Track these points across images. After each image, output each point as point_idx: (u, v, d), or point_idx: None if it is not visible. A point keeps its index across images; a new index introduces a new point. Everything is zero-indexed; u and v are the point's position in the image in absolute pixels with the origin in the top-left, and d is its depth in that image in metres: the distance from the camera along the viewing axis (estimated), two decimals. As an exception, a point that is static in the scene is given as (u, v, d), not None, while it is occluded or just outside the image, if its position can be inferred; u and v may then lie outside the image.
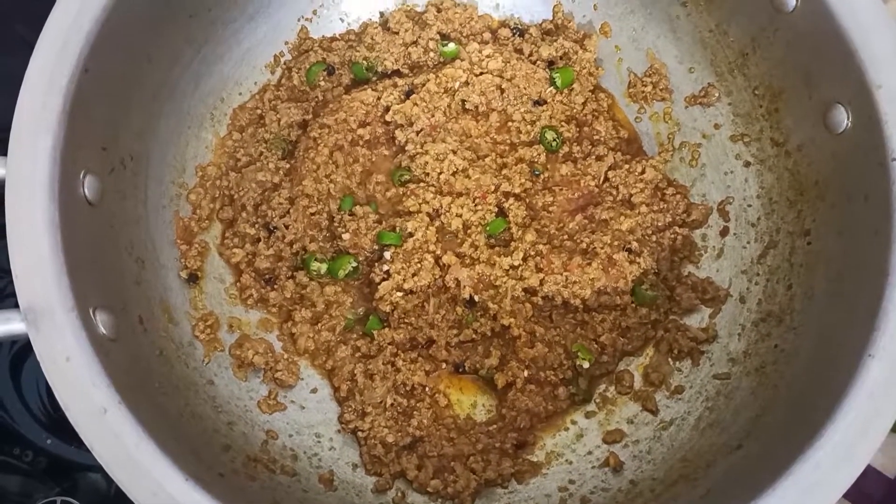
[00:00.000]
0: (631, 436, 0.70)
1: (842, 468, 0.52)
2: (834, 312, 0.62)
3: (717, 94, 0.77)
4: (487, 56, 0.77)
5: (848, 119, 0.62)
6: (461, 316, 0.71)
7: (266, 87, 0.79)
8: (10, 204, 0.53)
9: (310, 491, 0.65)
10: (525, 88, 0.76)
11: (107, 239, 0.61)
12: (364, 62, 0.78)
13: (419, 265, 0.70)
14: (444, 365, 0.71)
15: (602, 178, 0.75)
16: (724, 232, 0.75)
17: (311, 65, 0.78)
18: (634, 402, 0.72)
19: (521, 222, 0.73)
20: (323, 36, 0.81)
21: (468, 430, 0.70)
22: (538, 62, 0.78)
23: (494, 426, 0.70)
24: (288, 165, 0.75)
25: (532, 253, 0.72)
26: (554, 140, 0.76)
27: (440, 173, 0.74)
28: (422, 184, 0.74)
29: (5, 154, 0.54)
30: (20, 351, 0.77)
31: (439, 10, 0.80)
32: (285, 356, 0.71)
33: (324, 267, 0.73)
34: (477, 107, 0.76)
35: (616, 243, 0.72)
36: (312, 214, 0.73)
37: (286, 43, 0.80)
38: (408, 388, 0.70)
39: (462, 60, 0.77)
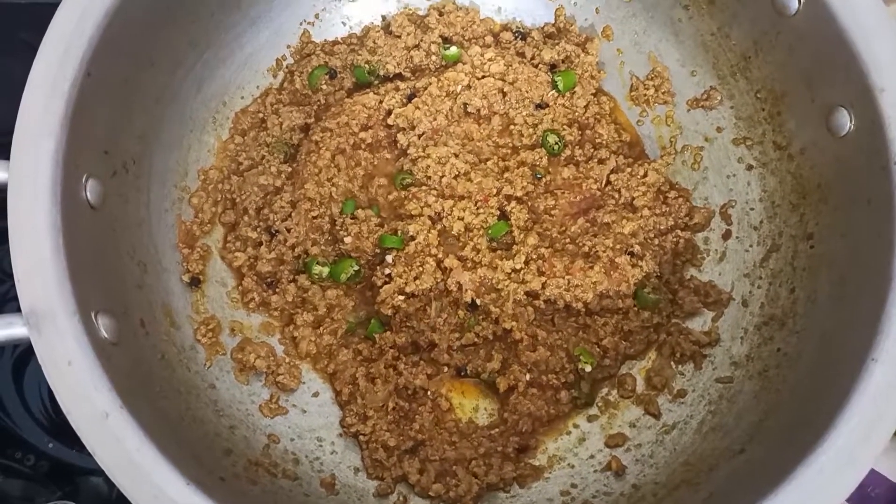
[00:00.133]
0: (633, 439, 0.70)
1: (845, 472, 0.52)
2: (837, 316, 0.62)
3: (719, 98, 0.77)
4: (489, 59, 0.77)
5: (851, 122, 0.62)
6: (463, 319, 0.71)
7: (268, 90, 0.79)
8: (12, 207, 0.53)
9: (311, 495, 0.65)
10: (527, 92, 0.76)
11: (109, 242, 0.62)
12: (366, 66, 0.78)
13: (421, 268, 0.70)
14: (445, 368, 0.71)
15: (604, 182, 0.75)
16: (726, 235, 0.75)
17: (313, 68, 0.78)
18: (637, 405, 0.72)
19: (522, 226, 0.73)
20: (325, 39, 0.81)
21: (470, 434, 0.70)
22: (540, 65, 0.78)
23: (496, 430, 0.70)
24: (290, 169, 0.75)
25: (534, 256, 0.72)
26: (556, 143, 0.76)
27: (442, 177, 0.74)
28: (423, 187, 0.74)
29: (8, 158, 0.54)
30: (22, 354, 0.77)
31: (441, 14, 0.80)
32: (287, 360, 0.71)
33: (325, 270, 0.73)
34: (479, 110, 0.76)
35: (618, 247, 0.72)
36: (314, 218, 0.73)
37: (288, 47, 0.80)
38: (409, 392, 0.70)
39: (464, 64, 0.77)
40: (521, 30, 0.81)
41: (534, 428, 0.70)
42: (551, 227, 0.74)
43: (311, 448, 0.69)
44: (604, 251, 0.72)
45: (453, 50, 0.78)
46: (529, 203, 0.74)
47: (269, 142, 0.76)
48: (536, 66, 0.78)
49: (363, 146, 0.76)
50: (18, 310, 0.52)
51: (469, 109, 0.76)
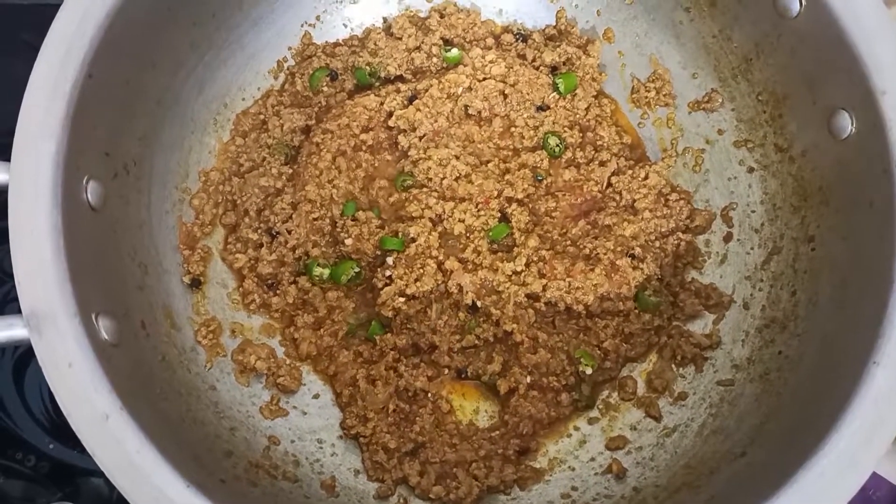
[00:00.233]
0: (634, 442, 0.70)
1: (846, 476, 0.52)
2: (838, 319, 0.61)
3: (720, 100, 0.77)
4: (490, 61, 0.77)
5: (852, 125, 0.62)
6: (463, 321, 0.71)
7: (269, 92, 0.79)
8: (13, 209, 0.53)
9: (312, 497, 0.65)
10: (528, 94, 0.76)
11: (109, 244, 0.62)
12: (367, 67, 0.78)
13: (422, 270, 0.70)
14: (446, 370, 0.71)
15: (605, 184, 0.75)
16: (727, 238, 0.75)
17: (314, 70, 0.78)
18: (637, 408, 0.72)
19: (523, 228, 0.73)
20: (326, 41, 0.81)
21: (470, 436, 0.70)
22: (541, 67, 0.78)
23: (497, 432, 0.70)
24: (291, 170, 0.75)
25: (535, 258, 0.72)
26: (557, 145, 0.76)
27: (443, 178, 0.74)
28: (424, 189, 0.74)
29: (9, 159, 0.54)
30: (23, 356, 0.77)
31: (442, 16, 0.80)
32: (287, 361, 0.71)
33: (326, 272, 0.73)
34: (480, 112, 0.76)
35: (619, 249, 0.72)
36: (315, 219, 0.73)
37: (290, 48, 0.80)
38: (410, 394, 0.70)
39: (465, 66, 0.77)
40: (523, 32, 0.81)
41: (534, 430, 0.70)
42: (552, 229, 0.74)
43: (312, 450, 0.69)
44: (605, 253, 0.72)
45: (454, 52, 0.78)
46: (530, 205, 0.74)
47: (270, 143, 0.76)
48: (537, 69, 0.78)
49: (364, 148, 0.76)
50: (19, 311, 0.52)
51: (470, 111, 0.76)
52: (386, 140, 0.76)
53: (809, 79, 0.67)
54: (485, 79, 0.76)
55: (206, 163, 0.75)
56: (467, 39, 0.80)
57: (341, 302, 0.72)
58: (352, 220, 0.73)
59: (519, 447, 0.69)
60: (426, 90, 0.76)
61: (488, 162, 0.76)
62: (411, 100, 0.76)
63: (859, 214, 0.62)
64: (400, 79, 0.79)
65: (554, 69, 0.79)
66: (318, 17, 0.81)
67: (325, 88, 0.78)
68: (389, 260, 0.71)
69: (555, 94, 0.77)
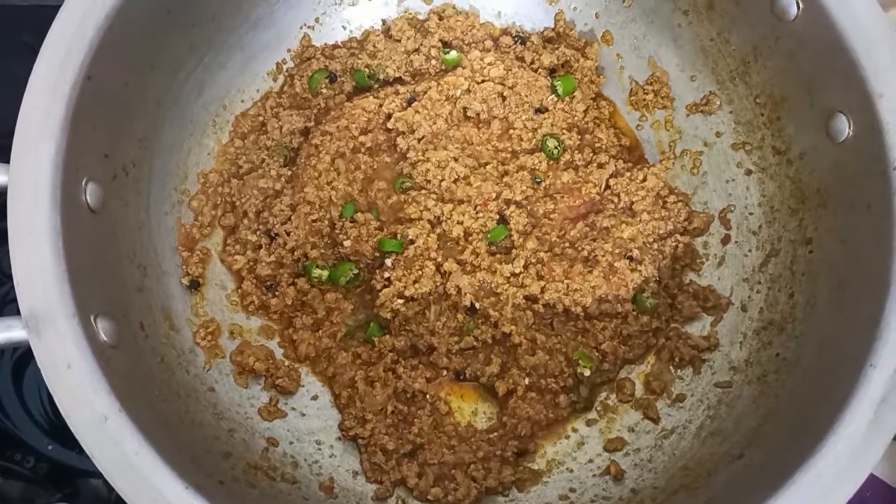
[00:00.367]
0: (632, 444, 0.70)
1: (844, 478, 0.52)
2: (836, 321, 0.62)
3: (718, 103, 0.77)
4: (489, 64, 0.77)
5: (849, 128, 0.62)
6: (462, 323, 0.71)
7: (268, 94, 0.79)
8: (12, 210, 0.53)
9: (310, 498, 0.65)
10: (526, 96, 0.76)
11: (108, 246, 0.62)
12: (366, 69, 0.78)
13: (420, 272, 0.70)
14: (444, 372, 0.71)
15: (603, 186, 0.75)
16: (725, 240, 0.75)
17: (313, 72, 0.78)
18: (635, 410, 0.72)
19: (522, 230, 0.73)
20: (325, 43, 0.81)
21: (469, 438, 0.70)
22: (540, 70, 0.79)
23: (495, 434, 0.70)
24: (290, 172, 0.76)
25: (533, 260, 0.72)
26: (555, 148, 0.76)
27: (441, 180, 0.74)
28: (423, 191, 0.74)
29: (8, 161, 0.54)
30: (22, 357, 0.77)
31: (441, 18, 0.80)
32: (286, 363, 0.71)
33: (325, 274, 0.73)
34: (478, 114, 0.76)
35: (617, 251, 0.72)
36: (314, 221, 0.73)
37: (289, 50, 0.80)
38: (408, 396, 0.70)
39: (464, 68, 0.77)
40: (521, 34, 0.81)
41: (532, 432, 0.70)
42: (550, 231, 0.74)
43: (310, 451, 0.69)
44: (603, 255, 0.72)
45: (453, 54, 0.78)
46: (529, 207, 0.74)
47: (268, 145, 0.76)
48: (536, 71, 0.78)
49: (363, 150, 0.76)
50: (18, 312, 0.52)
51: (469, 113, 0.76)
52: (385, 142, 0.76)
53: (807, 82, 0.67)
54: (483, 81, 0.76)
55: (205, 164, 0.75)
56: (466, 42, 0.80)
57: (340, 303, 0.73)
58: (350, 222, 0.73)
59: (517, 449, 0.69)
60: (425, 92, 0.76)
61: (487, 164, 0.76)
62: (410, 102, 0.76)
63: (857, 217, 0.62)
64: (399, 81, 0.79)
65: (552, 71, 0.79)
66: (317, 20, 0.81)
67: (324, 90, 0.78)
68: (388, 261, 0.71)
69: (553, 96, 0.77)
